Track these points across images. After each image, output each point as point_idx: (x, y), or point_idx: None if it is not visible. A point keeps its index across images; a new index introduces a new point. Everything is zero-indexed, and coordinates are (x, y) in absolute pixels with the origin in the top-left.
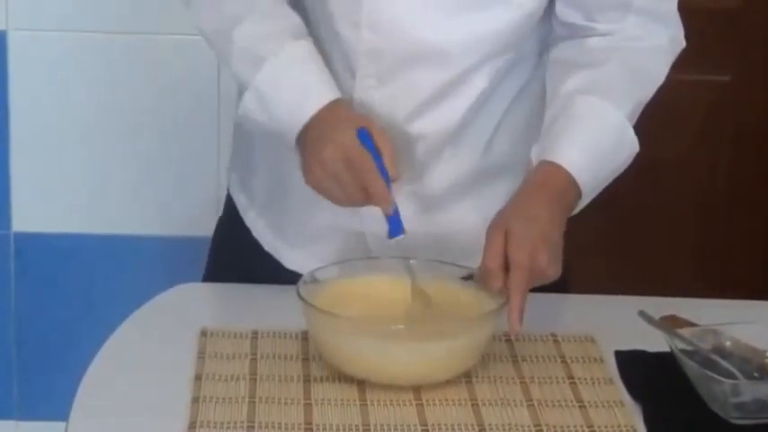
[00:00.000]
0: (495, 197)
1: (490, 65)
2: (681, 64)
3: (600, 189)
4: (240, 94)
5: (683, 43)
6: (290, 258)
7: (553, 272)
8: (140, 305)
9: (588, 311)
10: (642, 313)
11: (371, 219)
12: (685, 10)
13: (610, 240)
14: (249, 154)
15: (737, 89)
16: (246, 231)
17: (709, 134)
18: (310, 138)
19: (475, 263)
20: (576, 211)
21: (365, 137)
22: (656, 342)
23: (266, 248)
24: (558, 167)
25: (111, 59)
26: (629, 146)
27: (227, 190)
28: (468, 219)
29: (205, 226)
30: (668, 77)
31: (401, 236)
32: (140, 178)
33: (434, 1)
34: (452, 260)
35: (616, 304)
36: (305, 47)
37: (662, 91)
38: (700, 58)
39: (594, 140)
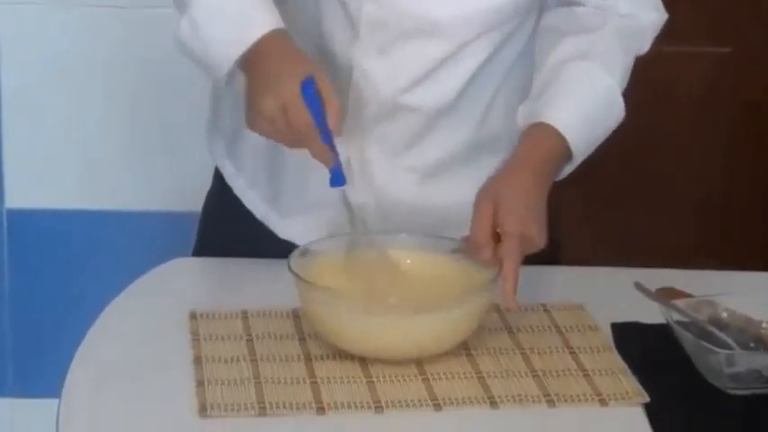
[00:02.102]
0: (491, 170)
1: (487, 38)
2: (681, 36)
3: (587, 155)
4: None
5: (666, 16)
6: (284, 228)
7: (541, 240)
8: (134, 281)
9: (582, 284)
10: (638, 285)
11: (365, 193)
12: None
13: (607, 213)
14: (236, 120)
15: (738, 61)
16: (236, 202)
17: (710, 106)
18: (255, 74)
19: None
20: (562, 176)
21: (309, 87)
22: (651, 314)
23: (258, 217)
24: (549, 130)
25: (104, 34)
26: (618, 112)
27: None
28: (464, 192)
29: (201, 200)
30: (669, 50)
31: (343, 186)
32: (133, 153)
33: None
34: (448, 233)
35: (610, 276)
36: None
37: (662, 63)
38: (700, 30)
39: (587, 104)
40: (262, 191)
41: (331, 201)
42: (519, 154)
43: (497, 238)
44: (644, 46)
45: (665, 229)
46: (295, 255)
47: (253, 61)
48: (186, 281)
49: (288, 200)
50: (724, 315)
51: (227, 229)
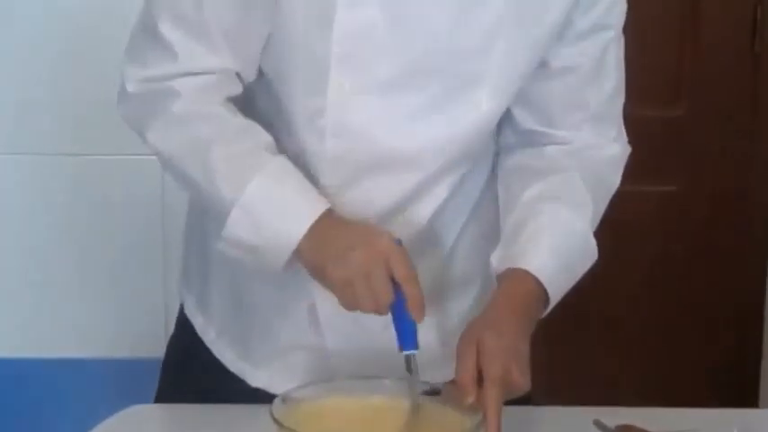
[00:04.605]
0: (456, 315)
1: (452, 172)
2: (627, 174)
3: (561, 297)
4: (192, 213)
5: (629, 149)
6: (255, 376)
7: (524, 383)
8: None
9: (542, 422)
10: (597, 422)
11: (334, 336)
12: (631, 119)
13: (566, 353)
14: (205, 274)
15: (684, 199)
16: (201, 349)
17: (657, 244)
18: (328, 242)
19: (434, 378)
20: (539, 318)
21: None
22: None
23: (230, 368)
24: (527, 275)
25: (54, 181)
26: (591, 254)
27: (182, 310)
28: (429, 337)
29: (153, 347)
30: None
31: (415, 351)
32: (86, 301)
33: (397, 106)
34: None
35: (570, 415)
36: (284, 162)
37: (612, 203)
38: (646, 168)
39: (563, 249)
40: (232, 340)
41: (300, 346)
42: (499, 297)
43: (481, 380)
44: (614, 181)
45: (624, 368)
46: (277, 402)
47: (316, 235)
48: (145, 429)
49: (258, 347)
50: None
51: (193, 378)
